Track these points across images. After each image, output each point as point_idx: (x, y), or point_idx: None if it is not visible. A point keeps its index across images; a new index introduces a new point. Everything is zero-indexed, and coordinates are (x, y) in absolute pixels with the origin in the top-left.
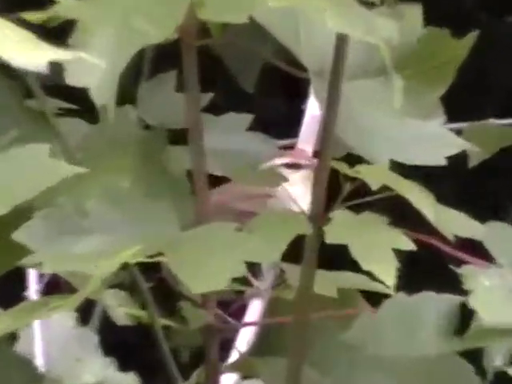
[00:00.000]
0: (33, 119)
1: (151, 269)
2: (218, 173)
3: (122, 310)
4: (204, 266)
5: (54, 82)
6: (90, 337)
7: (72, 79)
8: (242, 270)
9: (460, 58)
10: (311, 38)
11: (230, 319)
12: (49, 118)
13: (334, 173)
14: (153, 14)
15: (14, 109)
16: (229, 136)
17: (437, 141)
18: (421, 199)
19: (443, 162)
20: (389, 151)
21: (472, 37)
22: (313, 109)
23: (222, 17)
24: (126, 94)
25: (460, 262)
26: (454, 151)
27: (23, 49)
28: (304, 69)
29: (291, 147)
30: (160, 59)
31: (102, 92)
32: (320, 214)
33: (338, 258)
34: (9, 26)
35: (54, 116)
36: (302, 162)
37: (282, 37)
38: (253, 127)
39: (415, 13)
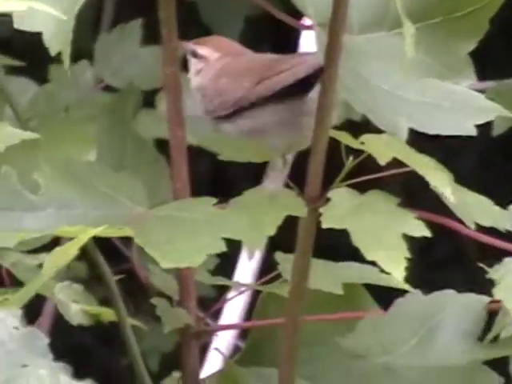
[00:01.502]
0: None
1: (117, 258)
2: (195, 142)
3: (77, 307)
4: (177, 240)
5: None
6: (39, 338)
7: (22, 23)
8: (220, 247)
9: (496, 3)
10: None
11: (209, 320)
12: None
13: (334, 144)
14: None
15: None
16: None
17: (465, 106)
18: (438, 177)
19: (473, 132)
20: (406, 117)
21: None
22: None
23: None
24: (82, 49)
25: (484, 250)
26: (484, 118)
27: None
28: (298, 17)
29: None
30: (121, 8)
31: (57, 37)
32: (317, 192)
33: (339, 244)
34: None
35: (1, 75)
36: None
37: None
38: None
39: None
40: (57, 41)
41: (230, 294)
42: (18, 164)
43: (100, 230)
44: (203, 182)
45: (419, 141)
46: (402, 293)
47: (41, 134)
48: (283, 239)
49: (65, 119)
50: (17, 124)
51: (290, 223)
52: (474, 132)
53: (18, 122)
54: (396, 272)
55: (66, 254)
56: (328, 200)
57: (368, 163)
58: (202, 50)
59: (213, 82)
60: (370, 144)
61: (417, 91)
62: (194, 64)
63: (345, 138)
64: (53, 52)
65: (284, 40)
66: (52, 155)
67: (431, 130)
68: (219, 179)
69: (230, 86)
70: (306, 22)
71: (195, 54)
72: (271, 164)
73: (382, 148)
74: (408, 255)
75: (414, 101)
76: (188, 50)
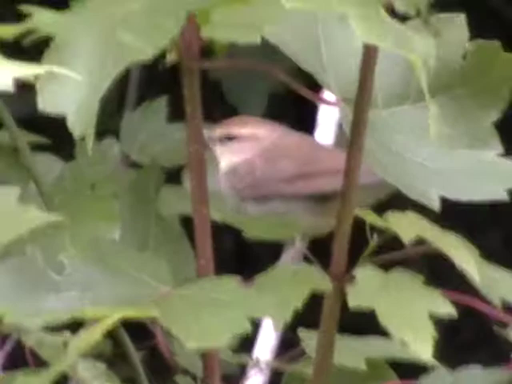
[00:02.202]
0: (2, 155)
1: (141, 336)
2: (219, 218)
3: None
4: (202, 320)
5: (23, 114)
6: None
7: (45, 105)
8: (246, 326)
9: None
10: (336, 59)
11: None
12: (22, 154)
13: (359, 222)
14: (143, 26)
15: None
16: None
17: (495, 172)
18: (462, 256)
19: (505, 197)
20: (437, 186)
21: None
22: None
23: (231, 35)
24: (107, 125)
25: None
26: None
27: None
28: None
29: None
30: (147, 84)
31: (81, 120)
32: (342, 270)
33: (363, 321)
34: None
35: (27, 152)
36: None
37: (301, 58)
38: None
39: (459, 24)
40: (80, 123)
41: (252, 371)
42: (43, 243)
43: (124, 311)
44: (227, 258)
45: (444, 217)
46: (427, 369)
47: (66, 211)
48: (300, 316)
49: (90, 197)
50: (41, 201)
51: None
52: (506, 197)
53: (43, 198)
54: (423, 350)
55: (92, 336)
56: (353, 277)
57: (392, 240)
58: (239, 130)
59: (248, 162)
60: (395, 222)
61: (447, 161)
62: (227, 144)
63: (369, 216)
64: (77, 134)
65: (306, 115)
66: (77, 234)
67: (463, 196)
68: (243, 255)
69: (268, 171)
70: (327, 96)
71: (230, 135)
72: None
73: (406, 226)
74: (435, 334)
75: (445, 170)
76: (219, 132)
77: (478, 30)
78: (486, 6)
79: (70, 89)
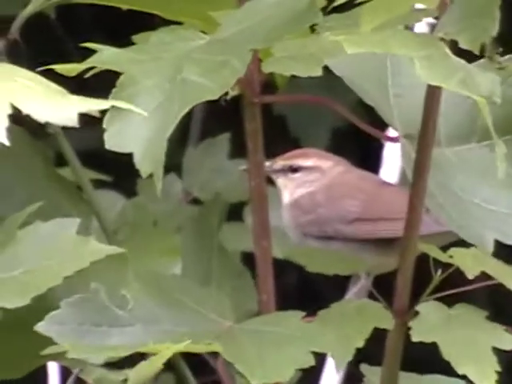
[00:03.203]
0: (65, 192)
1: (203, 370)
2: (281, 254)
3: None
4: (265, 355)
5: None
6: None
7: (112, 143)
8: (309, 361)
9: None
10: (402, 94)
11: None
12: (85, 191)
13: (423, 257)
14: (209, 65)
15: (40, 178)
16: None
17: None
18: None
19: None
20: (493, 228)
21: None
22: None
23: (292, 69)
24: (170, 161)
25: None
26: None
27: (49, 101)
28: (383, 129)
29: None
30: (209, 120)
31: (148, 158)
32: (405, 306)
33: (426, 358)
34: (32, 78)
35: (90, 189)
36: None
37: (366, 92)
38: None
39: None
40: (148, 162)
41: None
42: (106, 277)
43: (187, 345)
44: (290, 294)
45: (502, 250)
46: None
47: (128, 246)
48: (365, 351)
49: (152, 232)
50: (103, 237)
51: (372, 335)
52: None
53: (105, 234)
54: None
55: (151, 368)
56: (416, 313)
57: (455, 276)
58: (303, 162)
59: (312, 197)
60: (458, 257)
61: (505, 204)
62: (290, 176)
63: (433, 251)
64: (144, 174)
65: (369, 151)
66: (139, 269)
67: None
68: (306, 290)
69: (330, 210)
70: (391, 133)
71: (293, 166)
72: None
73: (469, 261)
74: (498, 368)
75: (501, 213)
76: (282, 163)
77: None
78: None
79: (136, 127)
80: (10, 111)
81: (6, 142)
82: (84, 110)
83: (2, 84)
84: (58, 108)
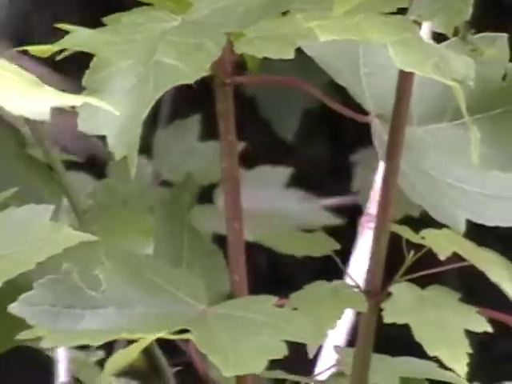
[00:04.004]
0: (36, 172)
1: (175, 351)
2: (252, 238)
3: None
4: (238, 346)
5: None
6: None
7: (85, 127)
8: (282, 351)
9: None
10: (374, 75)
11: None
12: (56, 171)
13: (395, 239)
14: (184, 47)
15: (13, 160)
16: (264, 193)
17: None
18: (498, 272)
19: None
20: (465, 208)
21: None
22: None
23: (265, 50)
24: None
25: None
26: None
27: (23, 93)
28: (360, 111)
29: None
30: (179, 103)
31: (122, 142)
32: (378, 287)
33: (399, 340)
34: (7, 66)
35: (61, 170)
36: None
37: (338, 72)
38: (292, 182)
39: (500, 43)
40: (122, 145)
41: None
42: (78, 257)
43: (162, 335)
44: (261, 275)
45: (476, 232)
46: None
47: (99, 226)
48: None
49: (124, 212)
50: (74, 216)
51: None
52: None
53: (76, 214)
54: (458, 368)
55: (128, 356)
56: (389, 294)
57: (426, 257)
58: None
59: None
60: (431, 238)
61: (478, 183)
62: None
63: (406, 233)
64: (118, 157)
65: (341, 133)
66: (111, 249)
67: (490, 221)
68: (277, 271)
69: None
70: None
71: None
72: None
73: (442, 243)
74: (470, 351)
75: (474, 193)
76: None
77: None
78: None
79: (110, 111)
80: None
81: None
82: (57, 104)
83: None
84: (32, 102)
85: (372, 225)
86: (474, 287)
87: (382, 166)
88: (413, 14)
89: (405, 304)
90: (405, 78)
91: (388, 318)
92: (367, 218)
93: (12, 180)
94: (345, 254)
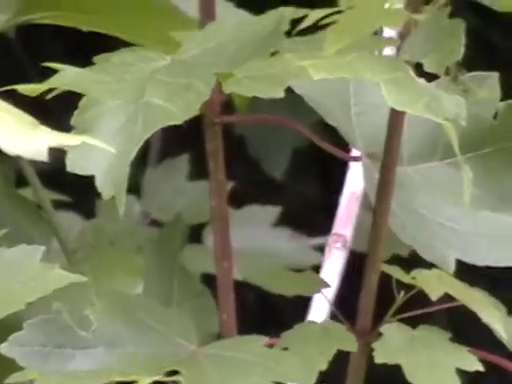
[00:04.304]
0: (26, 212)
1: None
2: (241, 277)
3: None
4: None
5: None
6: None
7: (74, 166)
8: None
9: None
10: (365, 114)
11: None
12: (45, 211)
13: (385, 278)
14: (173, 88)
15: (1, 198)
16: (253, 232)
17: None
18: (490, 313)
19: None
20: (457, 249)
21: None
22: (352, 186)
23: (254, 90)
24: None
25: None
26: None
27: (19, 134)
28: (347, 150)
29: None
30: (168, 142)
31: (111, 181)
32: (368, 327)
33: (389, 379)
34: (2, 106)
35: (51, 210)
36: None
37: (328, 112)
38: (281, 221)
39: (491, 83)
40: (110, 185)
41: None
42: (68, 297)
43: (156, 378)
44: (250, 313)
45: (462, 271)
46: None
47: (89, 266)
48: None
49: (111, 250)
50: (64, 256)
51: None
52: None
53: (65, 254)
54: None
55: None
56: (379, 334)
57: (415, 296)
58: None
59: None
60: (422, 279)
61: (468, 223)
62: None
63: (396, 273)
64: (106, 196)
65: (331, 172)
66: (102, 289)
67: (480, 261)
68: (266, 309)
69: None
70: (353, 153)
71: None
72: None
73: (433, 283)
74: None
75: (465, 232)
76: None
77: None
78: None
79: (99, 149)
80: None
81: None
82: (54, 144)
83: None
84: (29, 141)
85: (339, 245)
86: (461, 326)
87: (346, 189)
88: (405, 54)
89: (396, 344)
90: (396, 117)
91: (379, 359)
92: (334, 238)
93: (0, 219)
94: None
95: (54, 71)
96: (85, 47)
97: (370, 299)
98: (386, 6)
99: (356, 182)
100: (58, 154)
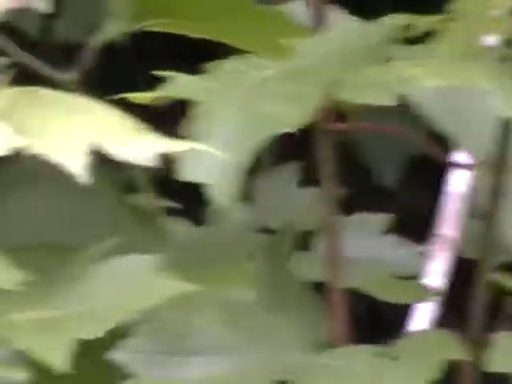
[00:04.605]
0: (138, 220)
1: None
2: (350, 285)
3: None
4: None
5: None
6: None
7: (186, 174)
8: None
9: None
10: (475, 120)
11: None
12: (158, 220)
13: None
14: (286, 95)
15: (116, 208)
16: (362, 240)
17: None
18: None
19: None
20: None
21: None
22: (456, 188)
23: (366, 98)
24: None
25: None
26: None
27: (127, 139)
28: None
29: None
30: (278, 151)
31: (224, 190)
32: (479, 335)
33: None
34: (110, 112)
35: (163, 218)
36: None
37: (438, 119)
38: (392, 230)
39: None
40: (222, 194)
41: None
42: (178, 306)
43: None
44: (362, 320)
45: None
46: None
47: (200, 275)
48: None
49: (223, 258)
50: (175, 264)
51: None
52: None
53: (176, 262)
54: None
55: None
56: (492, 342)
57: None
58: None
59: None
60: None
61: None
62: None
63: (505, 280)
64: (217, 204)
65: (443, 180)
66: (211, 296)
67: None
68: (377, 316)
69: None
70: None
71: None
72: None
73: None
74: None
75: None
76: None
77: None
78: None
79: (211, 158)
80: (88, 149)
81: (85, 180)
82: (162, 150)
83: (81, 118)
84: (136, 147)
85: (445, 247)
86: None
87: (449, 191)
88: None
89: (508, 352)
90: (510, 123)
91: (493, 367)
92: (438, 240)
93: (115, 229)
94: None
95: (161, 79)
96: (186, 54)
97: (479, 306)
98: (493, 12)
99: (460, 184)
100: (165, 160)
